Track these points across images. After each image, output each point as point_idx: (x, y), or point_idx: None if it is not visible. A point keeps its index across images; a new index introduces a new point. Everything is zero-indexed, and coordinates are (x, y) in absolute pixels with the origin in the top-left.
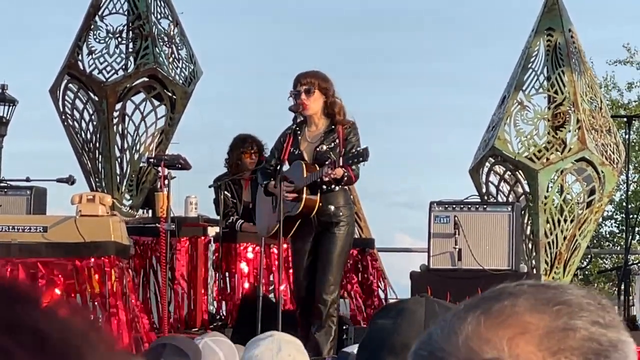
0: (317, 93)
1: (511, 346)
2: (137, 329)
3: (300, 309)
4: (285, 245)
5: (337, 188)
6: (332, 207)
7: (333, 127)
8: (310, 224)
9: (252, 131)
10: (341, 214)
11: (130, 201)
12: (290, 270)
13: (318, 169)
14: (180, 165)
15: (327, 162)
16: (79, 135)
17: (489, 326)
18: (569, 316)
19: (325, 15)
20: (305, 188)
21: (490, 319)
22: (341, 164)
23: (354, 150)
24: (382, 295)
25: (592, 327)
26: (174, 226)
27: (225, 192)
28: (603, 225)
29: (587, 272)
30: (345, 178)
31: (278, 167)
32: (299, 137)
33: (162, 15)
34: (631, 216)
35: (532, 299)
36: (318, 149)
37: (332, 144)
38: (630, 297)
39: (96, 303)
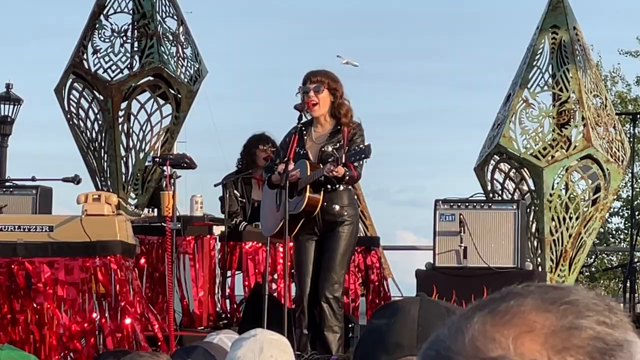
0: (326, 92)
1: (516, 344)
2: (143, 329)
3: (302, 309)
4: (290, 244)
5: (341, 187)
6: (337, 207)
7: (339, 127)
8: (314, 223)
9: (261, 130)
10: (346, 213)
11: (136, 200)
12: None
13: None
14: (185, 165)
15: (330, 160)
16: (84, 135)
17: (494, 325)
18: (575, 315)
19: (333, 15)
20: (308, 186)
21: (496, 318)
22: (344, 161)
23: (356, 148)
24: (385, 294)
25: (598, 327)
26: (179, 225)
27: (235, 192)
28: (609, 221)
29: (592, 270)
30: (347, 177)
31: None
32: (305, 137)
33: (167, 14)
34: (637, 213)
35: (538, 299)
36: (323, 149)
37: (338, 144)
38: (636, 295)
39: (102, 302)
